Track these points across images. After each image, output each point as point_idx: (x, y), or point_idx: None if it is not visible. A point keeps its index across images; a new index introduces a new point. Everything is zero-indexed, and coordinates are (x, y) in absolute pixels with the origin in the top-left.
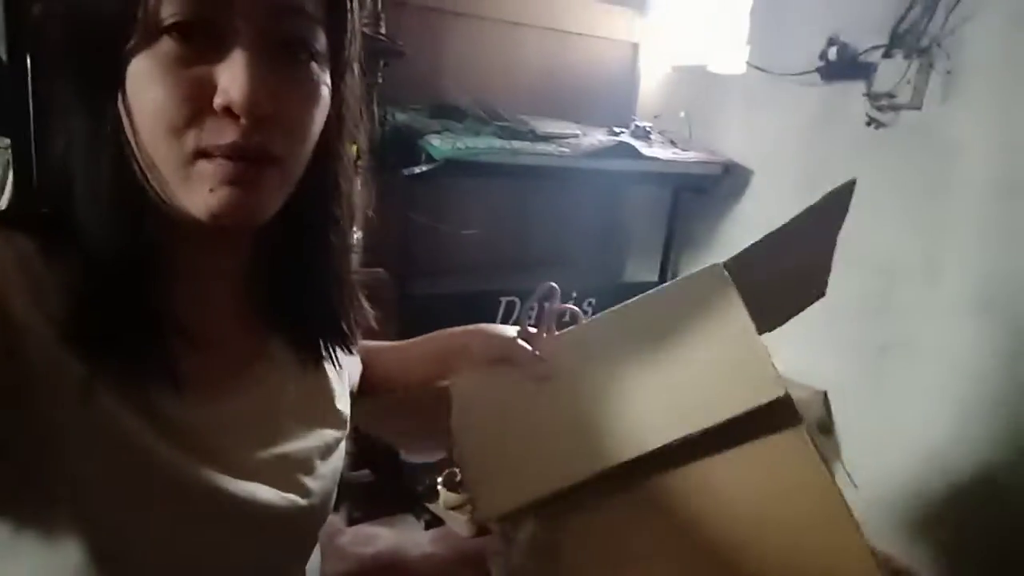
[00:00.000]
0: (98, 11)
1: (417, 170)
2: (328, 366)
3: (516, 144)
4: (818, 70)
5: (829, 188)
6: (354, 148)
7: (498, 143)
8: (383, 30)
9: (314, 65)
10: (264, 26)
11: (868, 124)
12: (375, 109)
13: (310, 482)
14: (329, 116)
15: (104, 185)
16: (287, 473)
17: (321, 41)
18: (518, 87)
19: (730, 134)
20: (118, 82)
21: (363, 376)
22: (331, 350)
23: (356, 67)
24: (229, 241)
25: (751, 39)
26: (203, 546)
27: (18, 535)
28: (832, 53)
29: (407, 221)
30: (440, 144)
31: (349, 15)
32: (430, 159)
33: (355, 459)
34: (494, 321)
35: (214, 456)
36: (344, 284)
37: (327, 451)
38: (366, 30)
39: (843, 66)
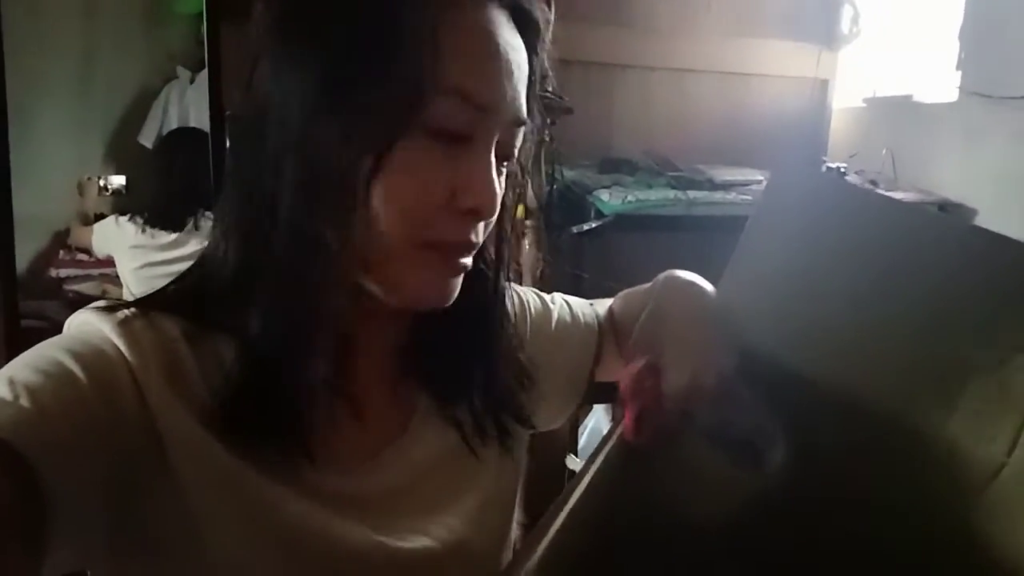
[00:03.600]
0: (367, 103)
1: (586, 227)
2: None
3: (692, 195)
4: None
5: None
6: (519, 209)
7: (672, 194)
8: (550, 87)
9: (510, 164)
10: (502, 136)
11: None
12: (543, 167)
13: (470, 535)
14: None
15: (320, 264)
16: (440, 529)
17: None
18: (693, 136)
19: (944, 170)
20: (377, 169)
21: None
22: (483, 429)
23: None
24: (400, 319)
25: (962, 63)
26: None
27: None
28: None
29: (575, 279)
30: (609, 199)
31: (533, 118)
32: (599, 215)
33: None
34: None
35: (369, 521)
36: (505, 365)
37: (484, 508)
38: None
39: None
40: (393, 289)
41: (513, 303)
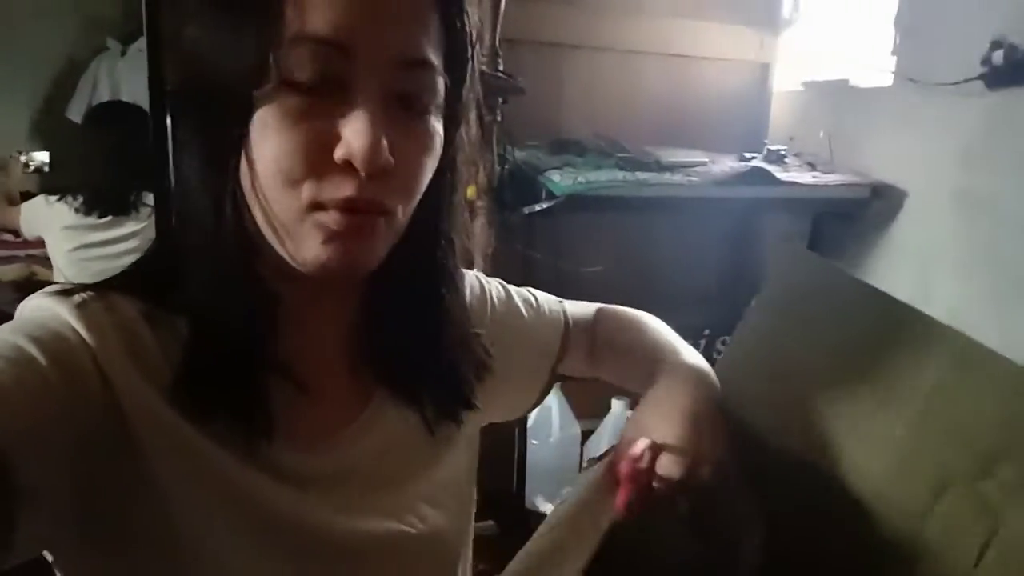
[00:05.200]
0: (233, 60)
1: (537, 207)
2: None
3: (640, 176)
4: (981, 77)
5: (996, 210)
6: (471, 189)
7: (621, 175)
8: (501, 67)
9: (430, 117)
10: (388, 79)
11: None
12: (494, 148)
13: (433, 516)
14: (441, 166)
15: (223, 233)
16: (404, 512)
17: (440, 91)
18: (640, 117)
19: (878, 153)
20: (243, 131)
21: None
22: (436, 410)
23: (472, 113)
24: (336, 290)
25: (897, 49)
26: None
27: None
28: (998, 57)
29: (527, 259)
30: (560, 180)
31: (469, 63)
32: (550, 195)
33: (479, 509)
34: None
35: (332, 500)
36: (454, 343)
37: (443, 489)
38: (484, 68)
39: (1012, 71)
40: (298, 260)
41: (472, 289)
